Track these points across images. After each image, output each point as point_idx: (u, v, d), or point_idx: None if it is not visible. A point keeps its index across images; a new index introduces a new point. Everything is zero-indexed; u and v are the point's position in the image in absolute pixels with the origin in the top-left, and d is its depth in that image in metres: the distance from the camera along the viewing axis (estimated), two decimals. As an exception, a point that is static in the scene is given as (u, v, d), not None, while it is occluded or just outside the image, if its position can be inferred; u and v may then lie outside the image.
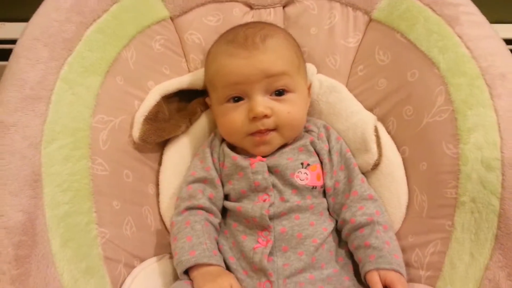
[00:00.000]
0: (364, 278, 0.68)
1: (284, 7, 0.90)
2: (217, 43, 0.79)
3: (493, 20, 0.80)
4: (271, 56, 0.73)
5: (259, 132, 0.73)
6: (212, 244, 0.70)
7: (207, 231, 0.71)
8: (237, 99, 0.74)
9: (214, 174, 0.76)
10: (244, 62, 0.72)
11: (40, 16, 0.71)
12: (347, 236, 0.73)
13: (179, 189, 0.78)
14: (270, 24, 0.82)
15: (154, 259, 0.74)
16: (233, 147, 0.79)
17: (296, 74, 0.77)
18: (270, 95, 0.74)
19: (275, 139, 0.75)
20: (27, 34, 0.69)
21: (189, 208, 0.73)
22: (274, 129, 0.74)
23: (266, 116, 0.72)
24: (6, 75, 0.66)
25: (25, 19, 0.71)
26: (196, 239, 0.69)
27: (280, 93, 0.74)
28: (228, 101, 0.75)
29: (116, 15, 0.76)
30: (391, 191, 0.76)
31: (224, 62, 0.73)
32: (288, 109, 0.74)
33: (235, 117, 0.74)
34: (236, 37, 0.74)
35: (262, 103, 0.72)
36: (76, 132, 0.68)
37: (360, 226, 0.71)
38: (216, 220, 0.75)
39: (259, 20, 0.87)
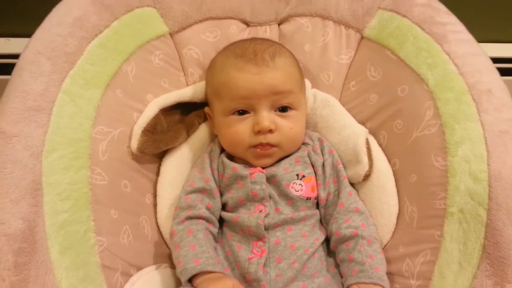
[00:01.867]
0: None
1: (279, 24, 0.93)
2: (223, 55, 0.81)
3: (480, 40, 0.83)
4: (280, 74, 0.76)
5: (261, 145, 0.75)
6: (213, 253, 0.71)
7: (208, 239, 0.73)
8: (242, 112, 0.76)
9: (212, 185, 0.78)
10: (254, 78, 0.74)
11: (43, 30, 0.73)
12: (334, 248, 0.75)
13: (177, 199, 0.79)
14: (275, 42, 0.86)
15: (152, 267, 0.75)
16: (231, 158, 0.81)
17: (299, 92, 0.80)
18: (275, 110, 0.76)
19: (276, 153, 0.77)
20: (30, 48, 0.71)
21: (190, 218, 0.75)
22: (276, 146, 0.76)
23: (270, 131, 0.75)
24: (10, 87, 0.68)
25: (29, 34, 0.73)
26: (200, 248, 0.70)
27: (284, 109, 0.77)
28: (233, 113, 0.77)
29: (117, 30, 0.79)
30: (382, 202, 0.78)
31: (233, 75, 0.75)
32: (290, 125, 0.77)
33: (240, 130, 0.76)
34: (245, 52, 0.76)
35: (268, 118, 0.75)
36: (76, 143, 0.69)
37: (345, 239, 0.73)
38: (215, 229, 0.76)
39: (259, 37, 0.90)
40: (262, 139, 0.75)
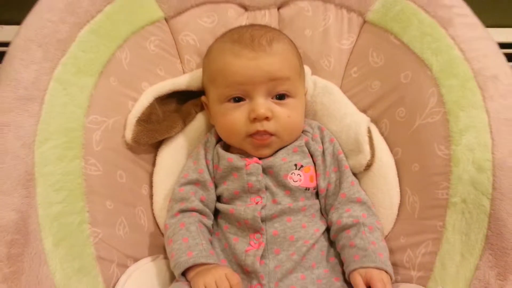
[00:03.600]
0: (349, 277, 0.68)
1: (278, 8, 0.91)
2: (220, 41, 0.79)
3: (487, 24, 0.80)
4: (277, 60, 0.73)
5: (258, 133, 0.73)
6: (208, 245, 0.70)
7: (201, 232, 0.72)
8: (238, 99, 0.74)
9: (206, 176, 0.76)
10: (250, 63, 0.72)
11: (34, 16, 0.71)
12: (334, 237, 0.74)
13: (171, 191, 0.78)
14: (274, 28, 0.83)
15: (148, 259, 0.74)
16: (227, 148, 0.79)
17: (298, 80, 0.78)
18: (272, 98, 0.74)
19: (275, 143, 0.75)
20: (21, 35, 0.69)
21: (182, 211, 0.74)
22: (274, 134, 0.74)
23: (267, 118, 0.73)
24: (0, 76, 0.67)
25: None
26: (192, 240, 0.69)
27: (281, 97, 0.75)
28: (228, 100, 0.75)
29: (110, 15, 0.76)
30: (384, 192, 0.77)
31: (229, 61, 0.73)
32: (288, 113, 0.74)
33: (235, 117, 0.74)
34: (242, 37, 0.74)
35: (264, 105, 0.73)
36: (69, 132, 0.68)
37: (346, 227, 0.71)
38: (209, 221, 0.75)
39: (258, 23, 0.87)
40: (258, 126, 0.73)
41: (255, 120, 0.73)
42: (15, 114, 0.64)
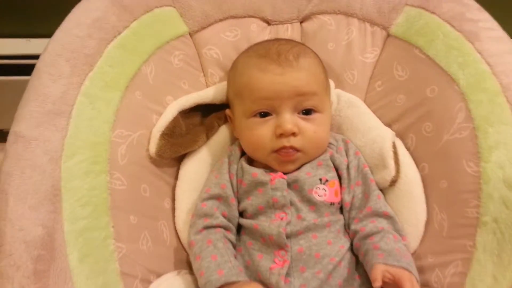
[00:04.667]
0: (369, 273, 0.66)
1: (301, 22, 0.90)
2: (245, 56, 0.79)
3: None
4: (304, 75, 0.73)
5: (284, 148, 0.72)
6: (235, 262, 0.69)
7: (228, 248, 0.71)
8: (264, 114, 0.74)
9: (229, 192, 0.76)
10: (277, 78, 0.72)
11: (62, 32, 0.72)
12: (356, 245, 0.72)
13: (194, 205, 0.77)
14: (299, 42, 0.83)
15: (172, 273, 0.73)
16: (251, 162, 0.78)
17: (324, 95, 0.77)
18: (298, 113, 0.74)
19: (300, 158, 0.75)
20: (49, 50, 0.70)
21: (207, 227, 0.73)
22: (300, 150, 0.73)
23: (293, 134, 0.72)
24: (29, 90, 0.67)
25: (50, 35, 0.72)
26: (221, 258, 0.68)
27: (307, 112, 0.74)
28: (254, 115, 0.74)
29: (136, 31, 0.77)
30: (409, 208, 0.75)
31: (255, 76, 0.73)
32: (314, 129, 0.74)
33: (261, 133, 0.73)
34: (268, 52, 0.74)
35: (291, 120, 0.72)
36: (95, 147, 0.68)
37: (370, 234, 0.70)
38: (233, 237, 0.75)
39: (283, 38, 0.87)
40: (285, 142, 0.72)
41: (281, 135, 0.72)
42: (43, 128, 0.64)
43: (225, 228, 0.74)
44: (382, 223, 0.71)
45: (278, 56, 0.73)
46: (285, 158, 0.73)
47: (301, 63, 0.73)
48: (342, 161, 0.77)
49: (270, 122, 0.73)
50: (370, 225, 0.71)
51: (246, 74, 0.75)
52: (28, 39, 1.17)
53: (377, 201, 0.74)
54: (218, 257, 0.68)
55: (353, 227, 0.73)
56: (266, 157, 0.75)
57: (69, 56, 0.69)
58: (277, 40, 0.83)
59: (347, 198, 0.75)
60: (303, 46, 0.81)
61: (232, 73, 0.81)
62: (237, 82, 0.77)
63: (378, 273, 0.63)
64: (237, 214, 0.76)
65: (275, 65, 0.72)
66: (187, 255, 0.77)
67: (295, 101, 0.72)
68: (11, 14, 1.20)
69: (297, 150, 0.73)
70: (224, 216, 0.74)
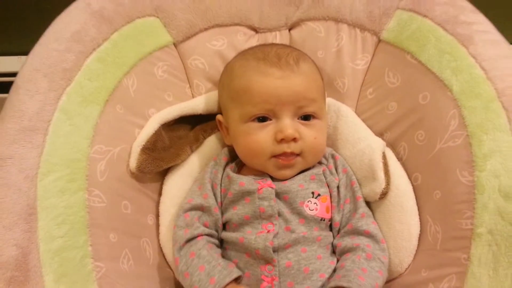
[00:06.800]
0: None
1: (290, 30, 0.89)
2: (242, 59, 0.76)
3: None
4: (305, 80, 0.72)
5: (284, 154, 0.71)
6: (225, 262, 0.68)
7: (214, 251, 0.69)
8: (263, 119, 0.72)
9: (211, 202, 0.73)
10: (277, 82, 0.70)
11: (40, 46, 0.71)
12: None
13: (176, 217, 0.75)
14: (295, 48, 0.81)
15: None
16: (239, 170, 0.76)
17: (322, 101, 0.76)
18: (298, 118, 0.72)
19: (299, 163, 0.73)
20: (27, 65, 0.69)
21: (188, 240, 0.71)
22: (299, 155, 0.72)
23: (294, 140, 0.70)
24: (6, 107, 0.66)
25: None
26: (208, 265, 0.66)
27: (306, 117, 0.73)
28: (252, 120, 0.72)
29: (117, 43, 0.76)
30: (402, 222, 0.73)
31: (255, 79, 0.71)
32: (314, 135, 0.72)
33: (260, 137, 0.71)
34: (267, 55, 0.72)
35: (292, 125, 0.71)
36: (72, 164, 0.66)
37: (346, 251, 0.70)
38: (217, 241, 0.73)
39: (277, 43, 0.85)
40: (285, 147, 0.70)
41: (282, 141, 0.70)
42: (18, 146, 0.63)
43: (208, 235, 0.72)
44: (361, 241, 0.70)
45: (278, 59, 0.71)
46: (284, 162, 0.72)
47: (301, 68, 0.72)
48: (333, 179, 0.75)
49: (269, 127, 0.71)
50: (347, 240, 0.70)
51: (244, 77, 0.73)
52: (20, 56, 1.16)
53: (360, 219, 0.72)
54: (205, 266, 0.66)
55: (334, 241, 0.72)
56: (264, 163, 0.72)
57: (46, 71, 0.68)
58: (273, 44, 0.81)
59: (337, 218, 0.73)
60: (300, 51, 0.79)
61: (227, 76, 0.78)
62: (233, 85, 0.75)
63: None
64: (220, 224, 0.74)
65: (275, 68, 0.70)
66: (172, 272, 0.75)
67: (295, 107, 0.71)
68: (3, 32, 1.20)
69: (297, 154, 0.72)
70: (206, 226, 0.73)
